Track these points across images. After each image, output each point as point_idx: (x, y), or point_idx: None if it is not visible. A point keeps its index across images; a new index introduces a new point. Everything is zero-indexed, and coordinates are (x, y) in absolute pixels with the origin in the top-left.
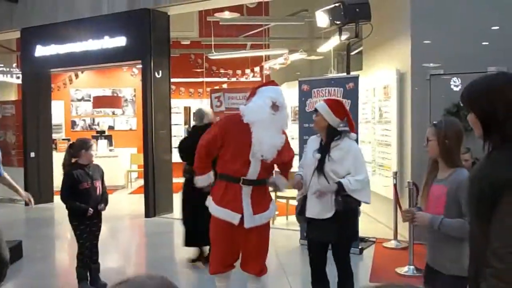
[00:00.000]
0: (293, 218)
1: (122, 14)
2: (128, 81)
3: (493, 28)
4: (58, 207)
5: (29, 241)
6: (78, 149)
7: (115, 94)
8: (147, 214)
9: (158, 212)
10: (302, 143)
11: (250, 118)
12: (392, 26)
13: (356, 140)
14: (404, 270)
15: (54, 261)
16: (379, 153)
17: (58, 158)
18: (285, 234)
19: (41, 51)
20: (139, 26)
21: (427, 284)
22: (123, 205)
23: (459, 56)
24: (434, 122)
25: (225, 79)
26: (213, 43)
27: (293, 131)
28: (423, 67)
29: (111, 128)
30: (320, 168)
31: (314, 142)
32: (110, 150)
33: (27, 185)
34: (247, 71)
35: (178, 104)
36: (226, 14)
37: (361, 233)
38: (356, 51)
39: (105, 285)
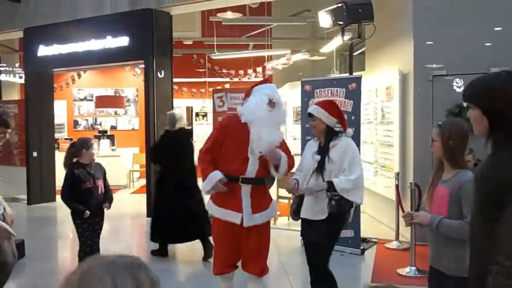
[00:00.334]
0: None
1: (125, 14)
2: (130, 81)
3: (495, 29)
4: (60, 206)
5: (31, 240)
6: (80, 148)
7: (118, 94)
8: (149, 214)
9: None
10: (304, 143)
11: (248, 117)
12: (395, 27)
13: (358, 140)
14: (405, 271)
15: (56, 260)
16: (381, 154)
17: (60, 158)
18: (286, 234)
19: (43, 51)
20: (142, 26)
21: (432, 285)
22: (125, 205)
23: (462, 57)
24: (439, 122)
25: (227, 79)
26: (215, 43)
27: (295, 131)
28: (425, 68)
29: (113, 128)
30: (319, 169)
31: (312, 146)
32: (112, 150)
33: (29, 185)
34: (250, 71)
35: (180, 104)
36: (229, 14)
37: (363, 234)
38: (359, 51)
39: None
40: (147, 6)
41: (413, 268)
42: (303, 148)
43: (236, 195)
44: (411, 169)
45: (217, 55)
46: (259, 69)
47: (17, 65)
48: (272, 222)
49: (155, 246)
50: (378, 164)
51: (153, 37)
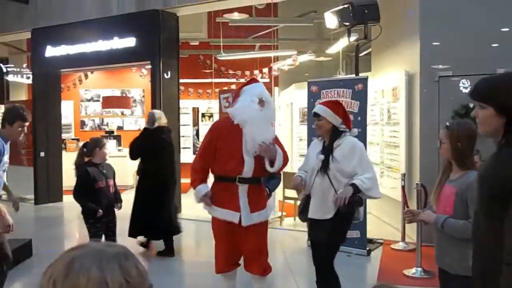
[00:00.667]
0: None
1: (132, 15)
2: (137, 81)
3: (502, 29)
4: (67, 206)
5: (38, 240)
6: (93, 147)
7: (124, 95)
8: None
9: None
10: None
11: (240, 118)
12: (401, 28)
13: (364, 141)
14: (411, 271)
15: None
16: (387, 155)
17: (67, 158)
18: (292, 235)
19: (51, 51)
20: (148, 27)
21: (441, 285)
22: (131, 205)
23: (468, 57)
24: (446, 124)
25: (233, 80)
26: (222, 44)
27: (301, 132)
28: (432, 69)
29: (120, 128)
30: (324, 169)
31: (316, 145)
32: (119, 150)
33: (36, 184)
34: (256, 72)
35: (186, 105)
36: (235, 15)
37: (369, 235)
38: (365, 52)
39: None
40: (154, 7)
41: (419, 269)
42: None
43: (233, 194)
44: (417, 170)
45: (224, 56)
46: (266, 70)
47: (24, 65)
48: (278, 223)
49: (160, 247)
50: (384, 165)
51: (160, 38)
